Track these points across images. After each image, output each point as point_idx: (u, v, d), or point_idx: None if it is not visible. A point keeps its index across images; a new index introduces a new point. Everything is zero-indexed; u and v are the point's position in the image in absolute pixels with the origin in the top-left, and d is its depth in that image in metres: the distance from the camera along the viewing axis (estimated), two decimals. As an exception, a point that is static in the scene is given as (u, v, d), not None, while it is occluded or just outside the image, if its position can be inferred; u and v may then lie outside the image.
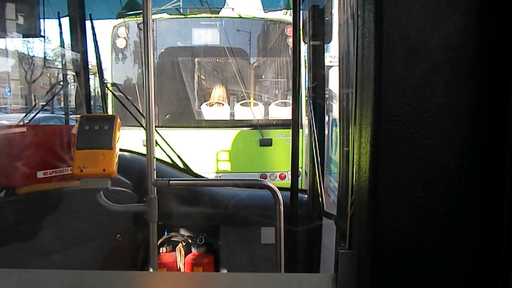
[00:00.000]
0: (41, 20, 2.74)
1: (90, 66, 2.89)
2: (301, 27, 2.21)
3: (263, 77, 5.21)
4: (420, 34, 0.53)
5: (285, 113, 4.80)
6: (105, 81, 3.08)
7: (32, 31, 2.76)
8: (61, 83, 3.05)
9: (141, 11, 1.76)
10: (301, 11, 2.19)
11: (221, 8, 5.06)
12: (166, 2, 4.90)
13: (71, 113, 3.35)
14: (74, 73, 2.87)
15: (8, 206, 1.69)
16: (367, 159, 0.57)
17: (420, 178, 0.55)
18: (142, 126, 2.25)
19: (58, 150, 1.80)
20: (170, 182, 1.70)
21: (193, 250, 2.26)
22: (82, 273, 0.81)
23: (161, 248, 2.24)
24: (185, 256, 2.27)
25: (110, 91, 3.35)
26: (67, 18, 2.74)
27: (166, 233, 2.28)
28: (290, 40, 4.55)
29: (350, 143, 0.68)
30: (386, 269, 0.57)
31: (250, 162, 4.75)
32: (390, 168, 0.55)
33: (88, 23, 2.76)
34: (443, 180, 0.55)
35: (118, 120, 1.63)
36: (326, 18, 2.24)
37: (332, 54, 4.87)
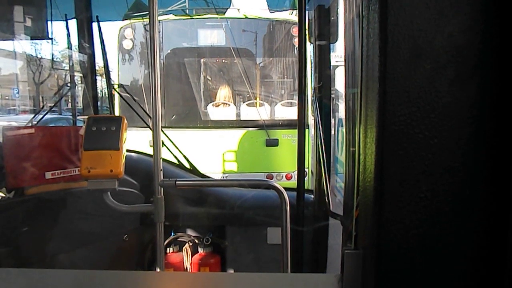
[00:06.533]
0: (49, 22, 2.77)
1: (97, 68, 2.91)
2: (306, 27, 2.21)
3: (269, 77, 5.21)
4: (425, 34, 0.53)
5: (291, 113, 4.80)
6: (112, 82, 3.11)
7: (39, 33, 2.78)
8: (69, 84, 3.08)
9: (147, 12, 1.77)
10: (306, 11, 2.19)
11: (226, 9, 5.07)
12: (172, 3, 4.91)
13: (78, 114, 3.37)
14: (81, 75, 2.90)
15: (17, 206, 1.71)
16: (372, 159, 0.57)
17: (425, 178, 0.55)
18: (149, 127, 2.26)
19: (65, 151, 1.82)
20: (177, 182, 1.70)
21: (200, 250, 2.27)
22: (90, 273, 0.82)
23: (168, 248, 2.25)
24: (191, 256, 2.28)
25: (117, 92, 3.37)
26: (74, 20, 2.76)
27: (172, 233, 2.29)
28: (296, 40, 4.54)
29: (355, 143, 0.68)
30: (391, 269, 0.57)
31: (256, 162, 4.75)
32: (395, 168, 0.55)
33: (95, 24, 2.78)
34: (448, 180, 0.55)
35: (125, 121, 1.64)
36: (332, 18, 2.24)
37: (338, 54, 4.85)
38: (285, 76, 5.13)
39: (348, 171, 1.51)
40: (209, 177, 2.89)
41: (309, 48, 2.33)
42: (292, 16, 5.12)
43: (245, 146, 4.73)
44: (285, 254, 1.66)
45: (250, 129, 4.77)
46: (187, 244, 2.29)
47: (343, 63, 1.59)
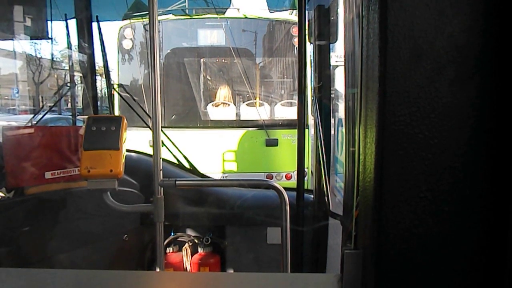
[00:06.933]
0: (49, 22, 2.77)
1: (96, 68, 2.91)
2: (306, 27, 2.21)
3: (268, 77, 5.21)
4: (425, 34, 0.53)
5: (291, 113, 4.80)
6: (112, 82, 3.11)
7: (39, 33, 2.79)
8: (69, 84, 3.08)
9: (147, 12, 1.77)
10: (306, 11, 2.19)
11: (226, 9, 5.07)
12: (172, 3, 4.91)
13: (78, 114, 3.37)
14: (81, 75, 2.90)
15: (16, 206, 1.71)
16: (372, 159, 0.57)
17: (425, 178, 0.55)
18: (149, 127, 2.26)
19: (65, 151, 1.82)
20: (177, 182, 1.70)
21: (200, 250, 2.27)
22: (90, 273, 0.81)
23: (167, 248, 2.25)
24: (191, 256, 2.28)
25: (117, 92, 3.38)
26: (74, 20, 2.77)
27: (172, 233, 2.29)
28: (296, 40, 4.54)
29: (355, 143, 0.68)
30: (391, 269, 0.57)
31: (256, 162, 4.76)
32: (395, 168, 0.55)
33: (94, 24, 2.78)
34: (448, 180, 0.55)
35: (125, 121, 1.64)
36: (332, 18, 2.24)
37: (338, 54, 4.85)
38: (285, 76, 5.13)
39: (348, 171, 1.51)
40: (209, 177, 2.89)
41: (309, 48, 2.33)
42: (292, 16, 5.12)
43: (245, 146, 4.73)
44: (285, 254, 1.66)
45: (250, 129, 4.77)
46: (187, 244, 2.29)
47: (343, 63, 1.59)
